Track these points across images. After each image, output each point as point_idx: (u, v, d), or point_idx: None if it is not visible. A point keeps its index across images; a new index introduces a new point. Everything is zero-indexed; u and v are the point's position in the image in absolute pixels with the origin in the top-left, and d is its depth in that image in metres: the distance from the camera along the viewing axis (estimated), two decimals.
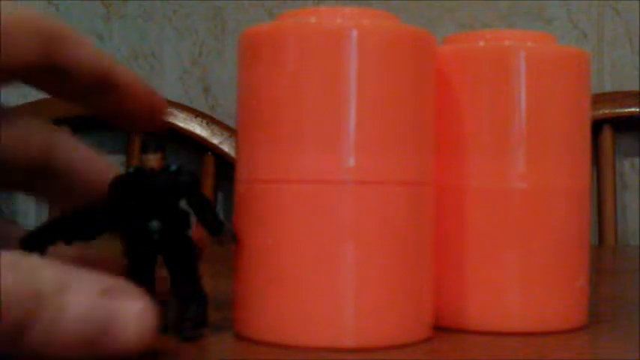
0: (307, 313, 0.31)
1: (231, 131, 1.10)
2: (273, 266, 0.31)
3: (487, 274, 0.34)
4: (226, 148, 1.10)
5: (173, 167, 0.31)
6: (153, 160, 0.31)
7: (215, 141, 1.10)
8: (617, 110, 1.08)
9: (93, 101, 0.34)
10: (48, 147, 0.33)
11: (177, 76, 1.19)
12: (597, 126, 1.06)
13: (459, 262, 0.34)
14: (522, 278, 0.34)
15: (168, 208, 0.31)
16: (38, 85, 0.33)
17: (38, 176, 0.33)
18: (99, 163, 0.34)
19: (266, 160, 0.31)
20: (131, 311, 0.27)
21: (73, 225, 0.31)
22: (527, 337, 0.34)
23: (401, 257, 0.31)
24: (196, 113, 1.12)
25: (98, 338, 0.26)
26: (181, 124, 1.10)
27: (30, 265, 0.26)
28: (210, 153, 1.10)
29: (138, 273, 0.30)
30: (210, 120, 1.12)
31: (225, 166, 1.09)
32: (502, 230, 0.34)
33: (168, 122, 1.10)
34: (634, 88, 1.11)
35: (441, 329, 0.34)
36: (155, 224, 0.30)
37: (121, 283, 0.27)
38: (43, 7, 1.20)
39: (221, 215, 0.32)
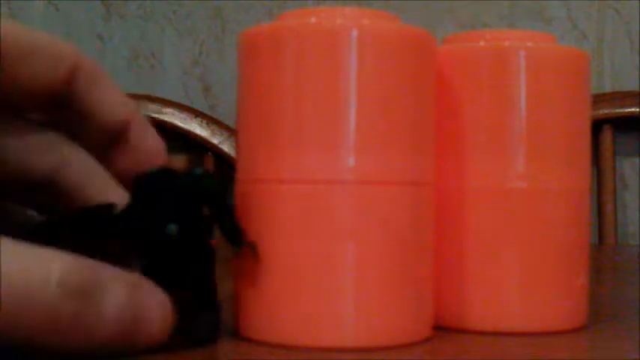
0: (307, 313, 0.31)
1: (231, 131, 1.10)
2: (273, 266, 0.31)
3: (487, 273, 0.34)
4: (226, 148, 1.10)
5: (198, 171, 0.30)
6: (177, 162, 0.30)
7: (215, 141, 1.10)
8: (617, 110, 1.08)
9: (107, 153, 0.33)
10: (57, 167, 0.32)
11: (177, 76, 1.19)
12: (597, 126, 1.06)
13: (459, 262, 0.34)
14: (522, 278, 0.34)
15: (188, 213, 0.30)
16: (59, 122, 0.33)
17: (43, 194, 0.32)
18: (109, 188, 0.33)
19: (266, 160, 0.31)
20: (155, 305, 0.28)
21: (88, 221, 0.31)
22: (527, 337, 0.34)
23: (401, 257, 0.31)
24: (196, 113, 1.12)
25: (130, 334, 0.27)
26: (181, 124, 1.10)
27: (62, 264, 0.26)
28: (210, 153, 1.10)
29: (152, 274, 0.29)
30: (210, 120, 1.12)
31: (225, 166, 1.09)
32: (502, 230, 0.34)
33: (168, 122, 1.10)
34: (634, 88, 1.11)
35: (441, 329, 0.34)
36: (173, 228, 0.30)
37: (141, 279, 0.28)
38: (43, 7, 1.20)
39: None
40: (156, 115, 1.10)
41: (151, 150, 0.33)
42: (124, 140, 0.33)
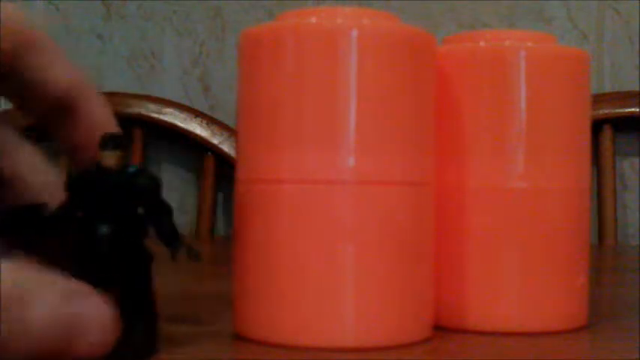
0: (307, 313, 0.31)
1: (231, 131, 1.10)
2: (273, 266, 0.31)
3: (487, 274, 0.34)
4: (226, 148, 1.09)
5: (132, 168, 0.28)
6: (110, 158, 0.28)
7: (215, 141, 1.10)
8: (617, 110, 1.08)
9: (52, 123, 0.32)
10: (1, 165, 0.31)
11: (177, 76, 1.19)
12: (597, 126, 1.06)
13: (459, 262, 0.34)
14: (522, 278, 0.34)
15: (121, 213, 0.28)
16: (5, 92, 0.32)
17: None
18: (53, 187, 0.32)
19: (266, 160, 0.31)
20: (95, 314, 0.26)
21: (17, 220, 0.29)
22: (527, 337, 0.34)
23: (401, 257, 0.31)
24: (196, 113, 1.12)
25: (64, 344, 0.26)
26: (181, 124, 1.10)
27: None
28: (210, 153, 1.10)
29: (83, 278, 0.27)
30: (210, 120, 1.12)
31: (225, 166, 1.09)
32: (502, 230, 0.34)
33: (168, 122, 1.10)
34: (634, 88, 1.11)
35: (441, 329, 0.34)
36: (104, 229, 0.28)
37: (79, 286, 0.26)
38: (43, 6, 1.20)
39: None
40: (156, 115, 1.10)
41: (101, 120, 0.32)
42: (75, 112, 0.32)
